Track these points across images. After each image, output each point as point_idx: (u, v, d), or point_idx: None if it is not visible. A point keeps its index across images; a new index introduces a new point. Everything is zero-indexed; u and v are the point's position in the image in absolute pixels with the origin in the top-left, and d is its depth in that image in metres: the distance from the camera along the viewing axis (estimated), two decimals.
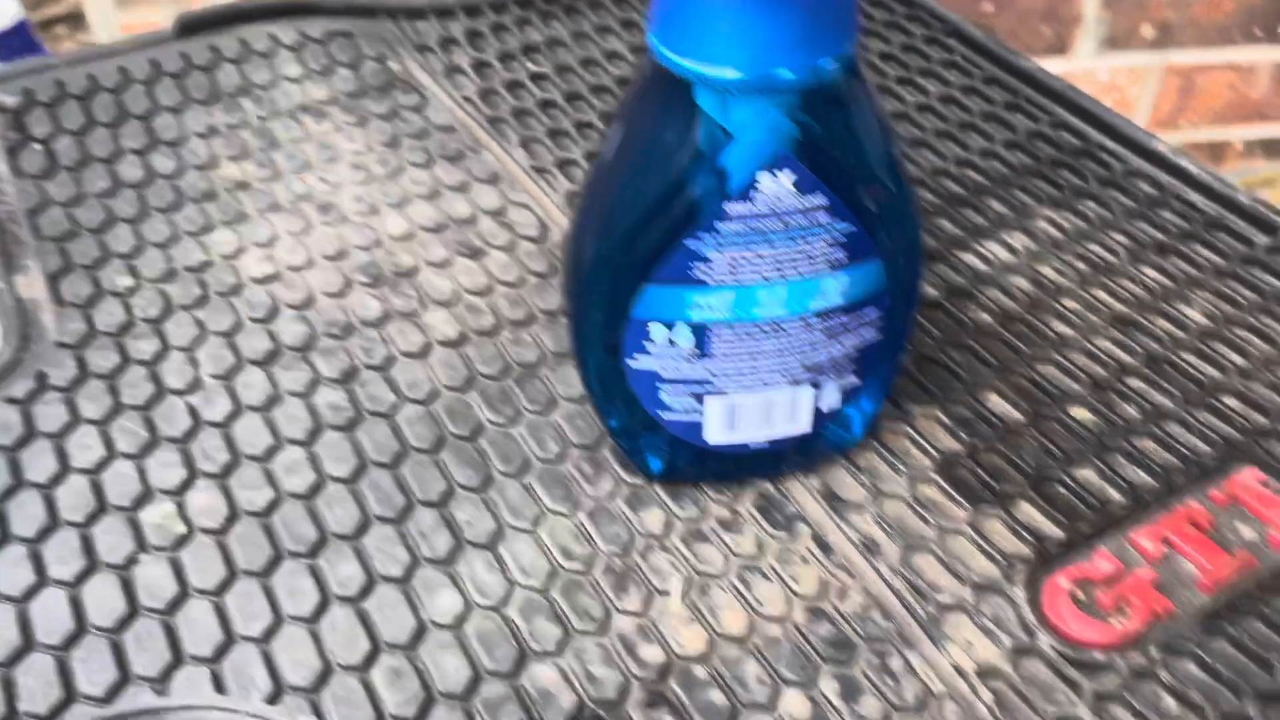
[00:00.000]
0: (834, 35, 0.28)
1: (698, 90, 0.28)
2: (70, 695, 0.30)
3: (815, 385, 0.33)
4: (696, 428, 0.34)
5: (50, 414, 0.38)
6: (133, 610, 0.32)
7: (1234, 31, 0.99)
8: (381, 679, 0.31)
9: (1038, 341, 0.41)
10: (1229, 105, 1.04)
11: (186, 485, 0.36)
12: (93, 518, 0.35)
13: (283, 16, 0.57)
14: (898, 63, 0.56)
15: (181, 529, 0.35)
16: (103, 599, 0.33)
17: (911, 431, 0.38)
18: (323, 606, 0.33)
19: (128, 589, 0.33)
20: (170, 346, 0.40)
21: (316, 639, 0.32)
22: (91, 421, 0.38)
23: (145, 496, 0.35)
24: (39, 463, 0.36)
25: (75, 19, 0.95)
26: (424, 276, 0.44)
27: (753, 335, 0.31)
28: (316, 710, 0.30)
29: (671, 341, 0.32)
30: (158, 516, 0.35)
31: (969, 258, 0.45)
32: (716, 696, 0.31)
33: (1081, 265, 0.45)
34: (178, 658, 0.31)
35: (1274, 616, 0.33)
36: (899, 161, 0.31)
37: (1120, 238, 0.46)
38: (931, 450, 0.37)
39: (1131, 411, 0.39)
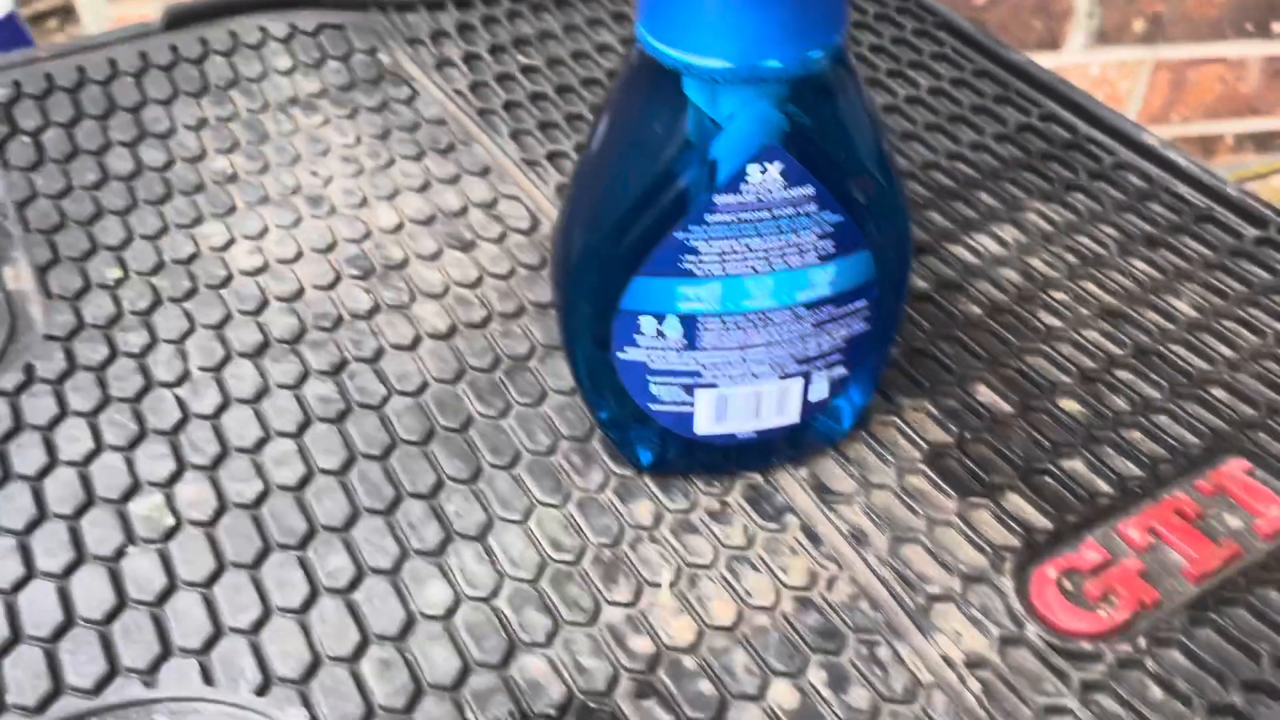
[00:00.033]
0: (823, 26, 0.28)
1: (686, 80, 0.28)
2: (58, 687, 0.30)
3: (804, 377, 0.33)
4: (686, 419, 0.34)
5: (38, 406, 0.38)
6: (121, 602, 0.32)
7: (1225, 26, 0.99)
8: (371, 670, 0.31)
9: (1027, 333, 0.41)
10: (1220, 100, 1.05)
11: (175, 477, 0.36)
12: (81, 510, 0.35)
13: (272, 9, 0.56)
14: (888, 55, 0.56)
15: (170, 521, 0.34)
16: (91, 591, 0.33)
17: (900, 423, 0.38)
18: (312, 598, 0.33)
19: (116, 581, 0.33)
20: (159, 339, 0.40)
21: (306, 630, 0.32)
22: (80, 414, 0.38)
23: (134, 489, 0.35)
24: (27, 455, 0.36)
25: (66, 12, 0.95)
26: (414, 269, 0.44)
27: (742, 327, 0.32)
28: (306, 701, 0.30)
29: (660, 333, 0.32)
30: (146, 509, 0.35)
31: (959, 250, 0.45)
32: (705, 687, 0.31)
33: (1071, 258, 0.45)
34: (166, 650, 0.31)
35: (1260, 606, 0.33)
36: (888, 153, 0.31)
37: (1109, 230, 0.46)
38: (920, 441, 0.37)
39: (1120, 403, 0.39)
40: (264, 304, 0.42)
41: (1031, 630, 0.32)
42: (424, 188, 0.47)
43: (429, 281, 0.43)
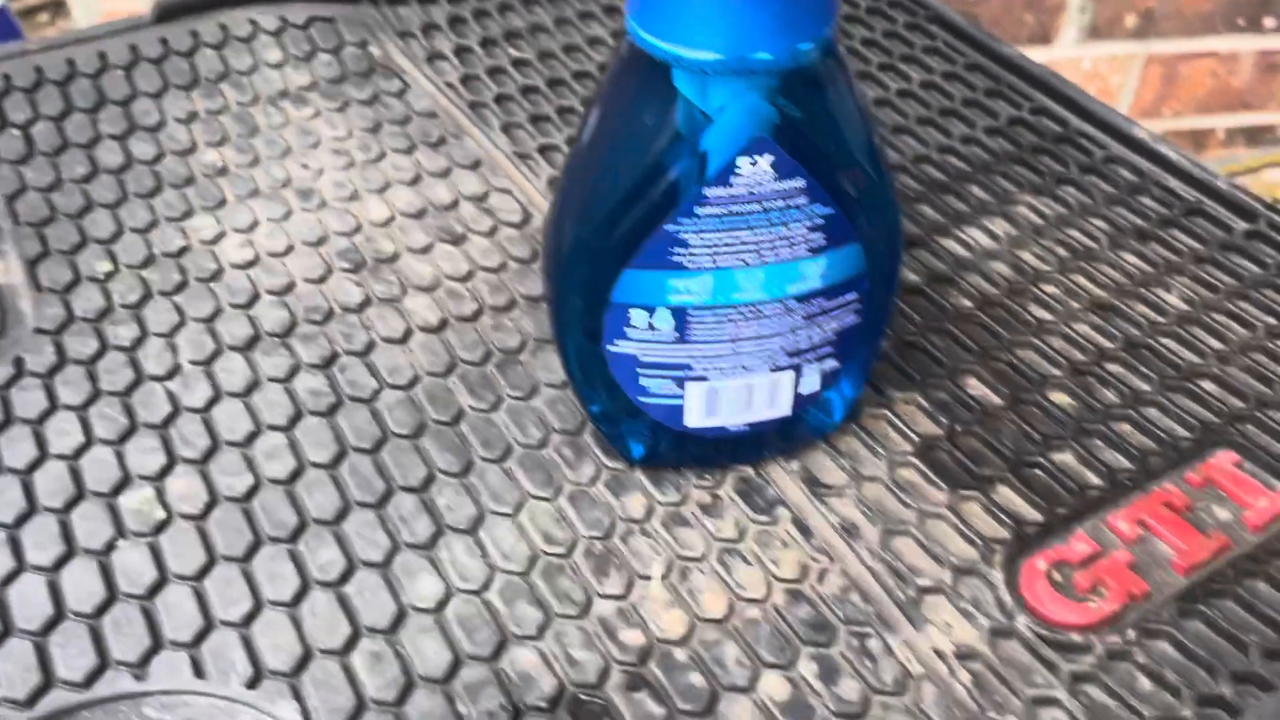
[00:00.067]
0: (813, 18, 0.28)
1: (676, 73, 0.28)
2: (49, 680, 0.30)
3: (795, 370, 0.33)
4: (677, 412, 0.34)
5: (28, 400, 0.38)
6: (111, 595, 0.32)
7: (1216, 20, 1.00)
8: (362, 663, 0.31)
9: (1017, 326, 0.41)
10: (1211, 94, 1.05)
11: (166, 471, 0.36)
12: (71, 503, 0.35)
13: (263, 2, 0.56)
14: (880, 49, 0.56)
15: (161, 514, 0.34)
16: (81, 584, 0.32)
17: (891, 415, 0.38)
18: (303, 591, 0.33)
19: (106, 574, 0.33)
20: (149, 332, 0.40)
21: (297, 624, 0.32)
22: (70, 407, 0.37)
23: (124, 482, 0.35)
24: (17, 449, 0.36)
25: (57, 6, 0.94)
26: (405, 262, 0.44)
27: (732, 319, 0.32)
28: (296, 694, 0.30)
29: (651, 326, 0.32)
30: (137, 502, 0.35)
31: (950, 243, 0.45)
32: (696, 679, 0.31)
33: (1062, 251, 0.45)
34: (157, 643, 0.31)
35: (1248, 598, 0.33)
36: (879, 146, 0.31)
37: (1100, 224, 0.46)
38: (911, 434, 0.37)
39: (1110, 396, 0.39)
40: (254, 297, 0.42)
41: (1021, 622, 0.32)
42: (415, 181, 0.47)
43: (420, 275, 0.43)
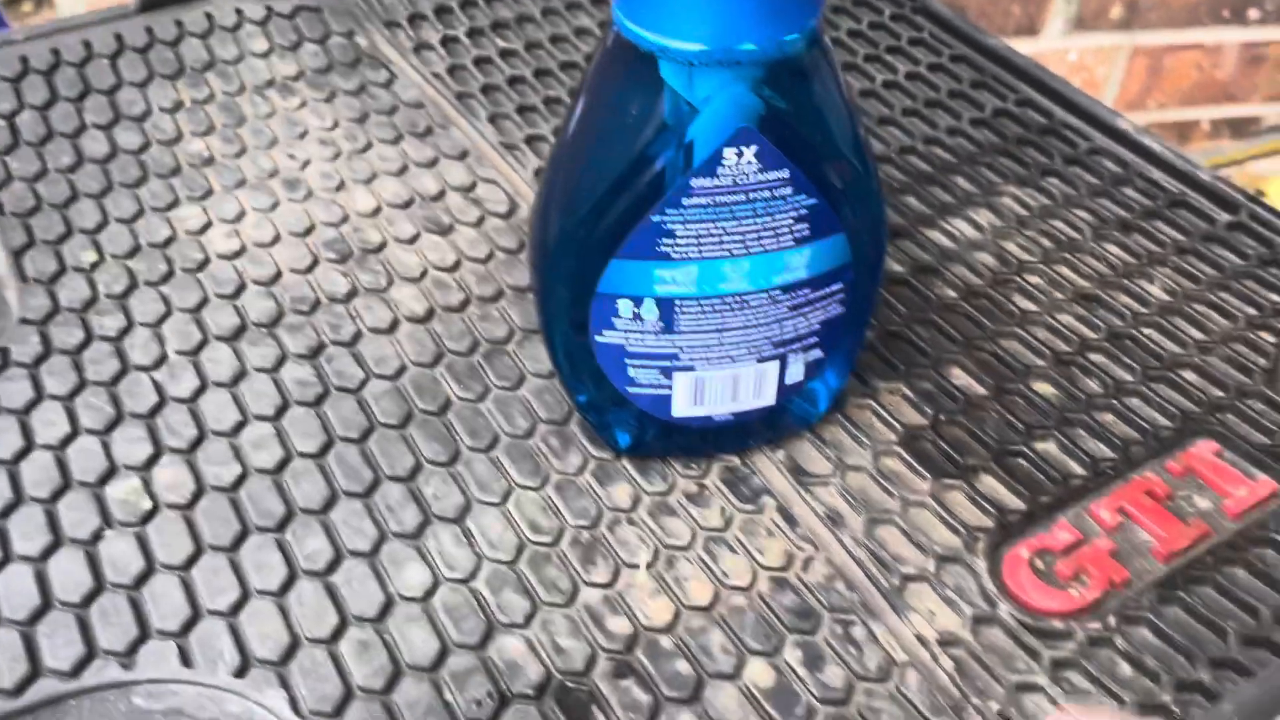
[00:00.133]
0: (798, 9, 0.28)
1: (662, 64, 0.28)
2: (36, 669, 0.30)
3: (781, 360, 0.34)
4: (663, 402, 0.34)
5: (14, 390, 0.38)
6: (99, 585, 0.32)
7: (1201, 12, 1.00)
8: (349, 651, 0.31)
9: (1001, 317, 0.42)
10: (1196, 86, 1.05)
11: (152, 461, 0.36)
12: (58, 493, 0.35)
13: None
14: (866, 40, 0.56)
15: (147, 504, 0.34)
16: (68, 574, 0.33)
17: (876, 405, 0.38)
18: (290, 580, 0.33)
19: (93, 564, 0.33)
20: (135, 323, 0.40)
21: (284, 612, 0.32)
22: (56, 397, 0.37)
23: (111, 472, 0.35)
24: (3, 439, 0.36)
25: None
26: (392, 252, 0.44)
27: (718, 310, 0.32)
28: (284, 683, 0.30)
29: (638, 316, 0.32)
30: (123, 492, 0.35)
31: (934, 234, 0.45)
32: (682, 666, 0.31)
33: (1046, 242, 0.45)
34: (144, 632, 0.31)
35: (1227, 585, 0.33)
36: (864, 138, 0.31)
37: (1084, 215, 0.46)
38: (895, 424, 0.38)
39: (1092, 385, 0.39)
40: (241, 287, 0.42)
41: (1004, 609, 0.33)
42: (402, 171, 0.47)
43: (407, 265, 0.43)
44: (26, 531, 0.34)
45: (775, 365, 0.34)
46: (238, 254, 0.43)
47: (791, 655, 0.32)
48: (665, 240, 0.30)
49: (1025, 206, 0.47)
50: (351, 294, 0.42)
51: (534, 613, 0.32)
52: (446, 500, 0.35)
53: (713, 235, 0.30)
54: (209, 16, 0.54)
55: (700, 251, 0.30)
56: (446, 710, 0.30)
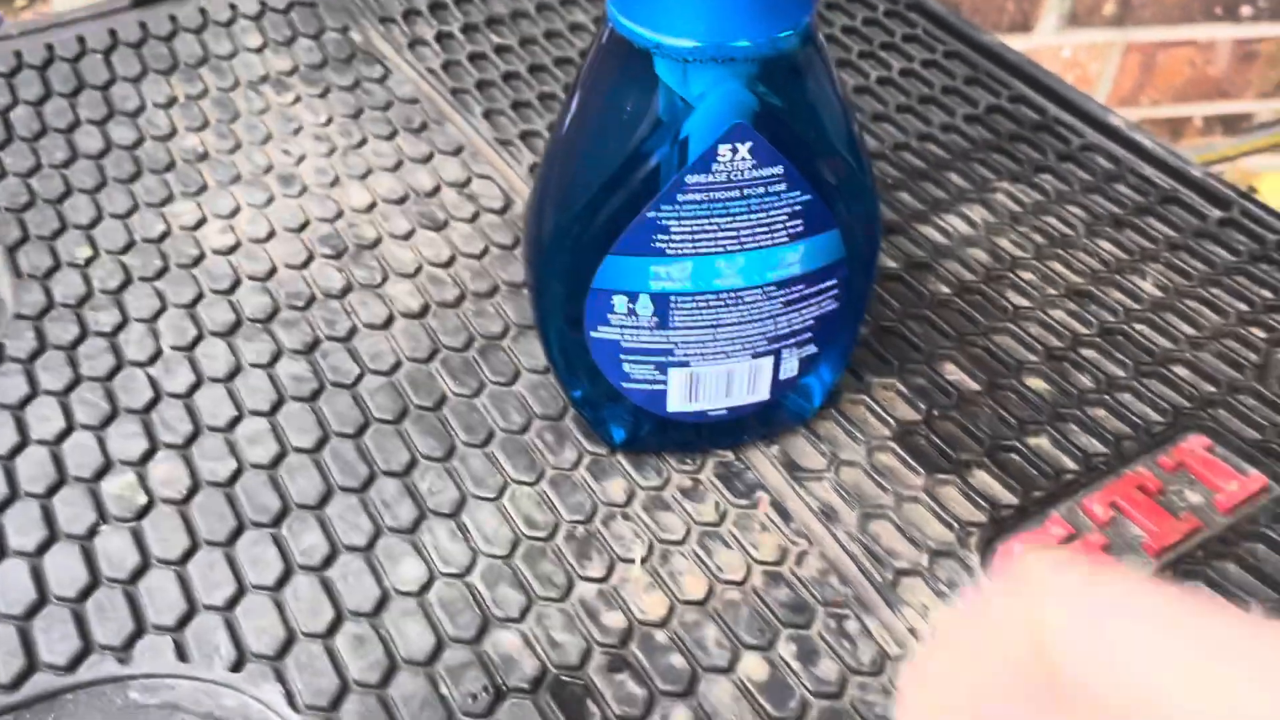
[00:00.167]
0: (793, 6, 0.28)
1: (657, 60, 0.28)
2: (33, 664, 0.30)
3: (775, 355, 0.34)
4: (658, 397, 0.34)
5: (9, 385, 0.38)
6: (94, 580, 0.32)
7: (1194, 9, 1.00)
8: (345, 646, 0.31)
9: (994, 312, 0.42)
10: (1189, 82, 1.06)
11: (148, 456, 0.36)
12: (53, 489, 0.35)
13: None
14: (860, 36, 0.56)
15: (143, 499, 0.35)
16: (64, 569, 0.33)
17: (870, 401, 0.38)
18: (286, 575, 0.33)
19: (89, 559, 0.33)
20: (130, 318, 0.40)
21: (280, 607, 0.32)
22: (51, 393, 0.37)
23: (106, 467, 0.35)
24: None
25: None
26: (387, 248, 0.44)
27: (713, 305, 0.32)
28: (280, 677, 0.30)
29: (633, 312, 0.32)
30: (119, 487, 0.35)
31: (928, 230, 0.45)
32: (677, 660, 0.31)
33: (1038, 238, 0.45)
34: (140, 627, 0.31)
35: (1218, 579, 0.33)
36: (858, 134, 0.31)
37: (1077, 211, 0.47)
38: (889, 419, 0.38)
39: (1085, 381, 0.39)
40: (236, 283, 0.42)
41: None
42: (397, 167, 0.47)
43: (402, 261, 0.43)
44: (22, 526, 0.34)
45: (770, 361, 0.34)
46: (232, 249, 0.43)
47: (785, 649, 0.32)
48: (660, 236, 0.30)
49: (1018, 202, 0.47)
50: (346, 289, 0.42)
51: (529, 607, 0.32)
52: (442, 495, 0.35)
53: (707, 231, 0.30)
54: (203, 11, 0.54)
55: (695, 247, 0.30)
56: (442, 704, 0.30)
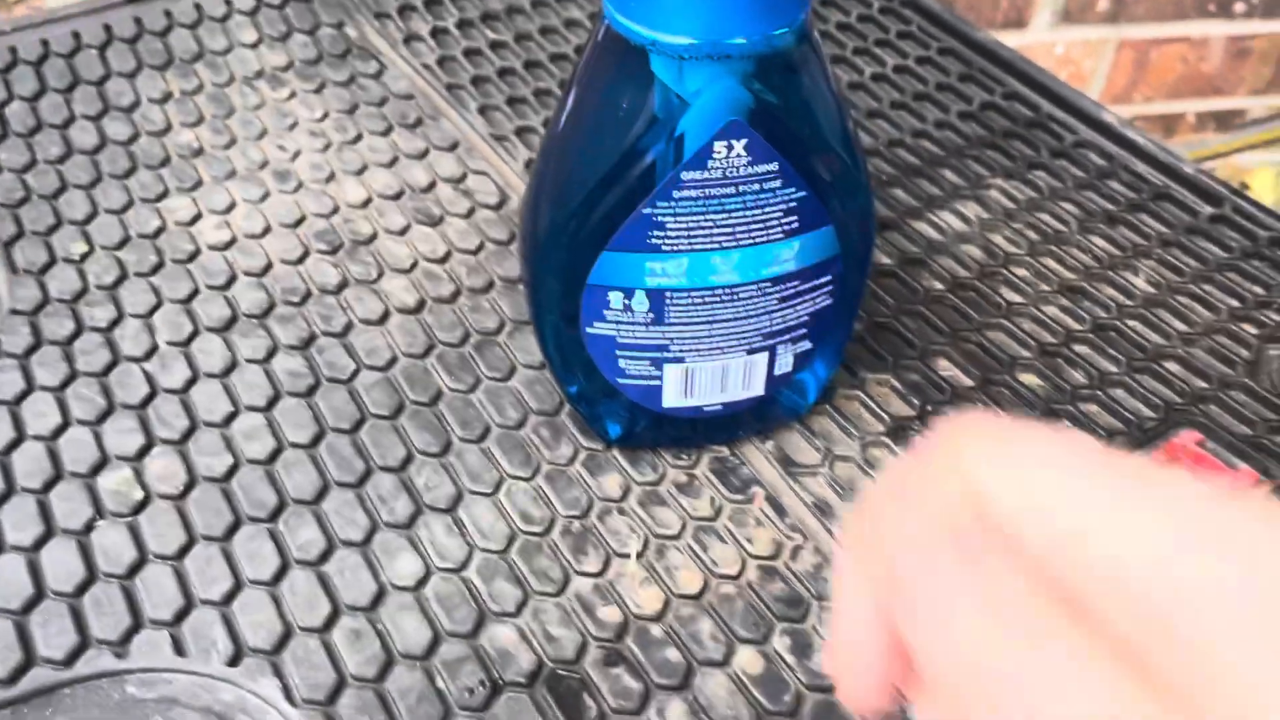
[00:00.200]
0: (788, 3, 0.28)
1: (653, 57, 0.28)
2: (30, 659, 0.31)
3: (770, 351, 0.34)
4: (654, 393, 0.34)
5: (5, 381, 0.38)
6: (91, 575, 0.32)
7: (1187, 6, 1.00)
8: (342, 640, 0.31)
9: (988, 308, 0.42)
10: (1182, 79, 1.06)
11: (144, 452, 0.36)
12: (50, 484, 0.35)
13: None
14: (855, 33, 0.56)
15: (139, 495, 0.35)
16: (61, 564, 0.33)
17: (864, 396, 0.39)
18: (283, 570, 0.33)
19: (86, 554, 0.33)
20: (126, 314, 0.40)
21: (277, 602, 0.32)
22: (47, 388, 0.37)
23: (102, 463, 0.35)
24: None
25: None
26: (382, 244, 0.44)
27: (708, 301, 0.32)
28: (277, 671, 0.31)
29: (628, 308, 0.32)
30: (115, 482, 0.35)
31: (922, 226, 0.46)
32: (672, 654, 0.32)
33: (1032, 234, 0.45)
34: (137, 621, 0.32)
35: None
36: (852, 131, 0.32)
37: (1070, 207, 0.47)
38: (883, 414, 0.38)
39: (1077, 376, 0.40)
40: (232, 279, 0.42)
41: None
42: (392, 163, 0.47)
43: (397, 256, 0.43)
44: (19, 522, 0.34)
45: (764, 356, 0.34)
46: (228, 245, 0.43)
47: (780, 643, 0.32)
48: (655, 233, 0.30)
49: (1012, 199, 0.47)
50: (342, 285, 0.42)
51: (525, 601, 0.33)
52: (438, 490, 0.35)
53: (703, 228, 0.30)
54: (198, 7, 0.54)
55: (690, 244, 0.31)
56: (439, 698, 0.30)
